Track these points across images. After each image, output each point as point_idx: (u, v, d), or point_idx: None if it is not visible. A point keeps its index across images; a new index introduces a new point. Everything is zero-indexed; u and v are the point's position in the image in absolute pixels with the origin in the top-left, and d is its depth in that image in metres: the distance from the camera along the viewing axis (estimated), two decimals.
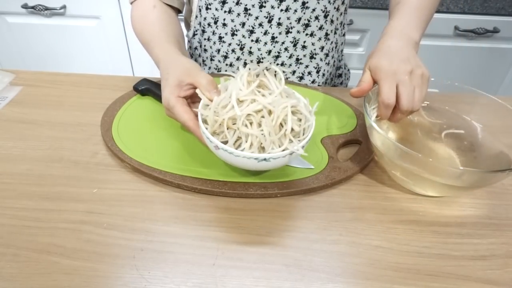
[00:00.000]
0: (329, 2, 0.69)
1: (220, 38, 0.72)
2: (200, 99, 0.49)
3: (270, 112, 0.45)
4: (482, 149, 0.53)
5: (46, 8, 1.29)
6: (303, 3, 0.67)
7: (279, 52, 0.72)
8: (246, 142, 0.44)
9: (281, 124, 0.45)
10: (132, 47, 1.38)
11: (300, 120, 0.46)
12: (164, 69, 0.55)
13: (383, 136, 0.46)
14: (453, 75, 1.35)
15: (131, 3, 0.70)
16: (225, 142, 0.45)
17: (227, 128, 0.45)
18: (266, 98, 0.45)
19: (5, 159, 0.54)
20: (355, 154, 0.55)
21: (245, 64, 0.74)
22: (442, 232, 0.46)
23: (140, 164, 0.52)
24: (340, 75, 0.84)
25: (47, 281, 0.39)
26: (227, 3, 0.67)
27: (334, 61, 0.79)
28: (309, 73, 0.75)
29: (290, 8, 0.67)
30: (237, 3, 0.67)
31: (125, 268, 0.41)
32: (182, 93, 0.51)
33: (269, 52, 0.72)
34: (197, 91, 0.49)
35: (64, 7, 1.30)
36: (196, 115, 0.49)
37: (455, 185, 0.47)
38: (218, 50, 0.73)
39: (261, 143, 0.44)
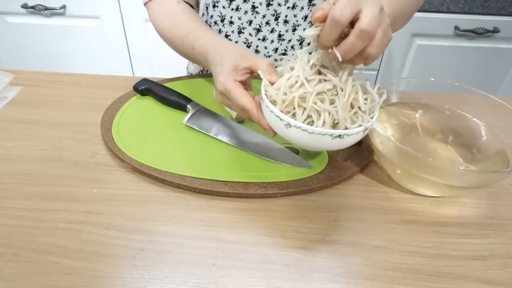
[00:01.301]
0: None
1: (226, 36, 0.72)
2: (251, 86, 0.48)
3: (340, 90, 0.43)
4: (482, 149, 0.53)
5: (46, 8, 1.29)
6: (310, 1, 0.67)
7: (285, 50, 0.72)
8: (318, 120, 0.42)
9: (351, 105, 0.43)
10: (132, 47, 1.39)
11: (366, 99, 0.45)
12: (216, 55, 0.53)
13: (383, 136, 0.46)
14: (453, 75, 1.35)
15: (146, 3, 0.69)
16: None
17: (298, 107, 0.43)
18: (335, 77, 0.43)
19: (5, 159, 0.54)
20: (355, 154, 0.55)
21: None
22: (442, 232, 0.46)
23: (140, 164, 0.52)
24: None
25: (47, 281, 0.39)
26: (234, 0, 0.67)
27: None
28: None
29: (296, 6, 0.67)
30: (245, 1, 0.67)
31: (125, 268, 0.41)
32: (239, 77, 0.49)
33: (276, 50, 0.72)
34: (259, 72, 0.47)
35: (64, 7, 1.30)
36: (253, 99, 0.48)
37: (455, 185, 0.47)
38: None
39: (334, 121, 0.43)
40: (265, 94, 0.45)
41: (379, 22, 0.40)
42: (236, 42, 0.71)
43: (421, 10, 1.21)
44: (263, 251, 0.43)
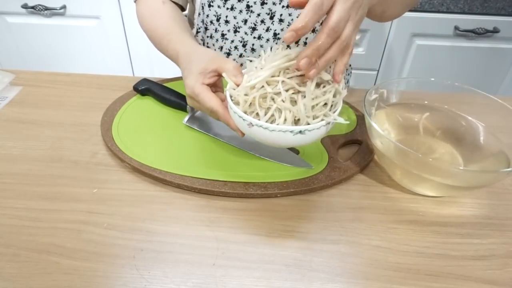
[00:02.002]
0: None
1: (222, 35, 0.72)
2: (222, 88, 0.48)
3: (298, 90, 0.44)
4: (482, 149, 0.53)
5: (46, 8, 1.29)
6: None
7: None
8: (279, 118, 0.44)
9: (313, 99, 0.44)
10: (132, 47, 1.38)
11: (326, 92, 0.45)
12: (185, 59, 0.54)
13: (383, 136, 0.46)
14: (453, 75, 1.35)
15: (135, 1, 0.70)
16: None
17: (260, 106, 0.44)
18: (292, 73, 0.44)
19: (5, 159, 0.54)
20: (355, 154, 0.55)
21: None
22: (442, 232, 0.46)
23: (140, 164, 0.52)
24: None
25: (47, 281, 0.39)
26: (229, 0, 0.67)
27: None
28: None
29: None
30: (239, 0, 0.67)
31: (125, 268, 0.41)
32: (206, 80, 0.51)
33: (271, 48, 0.72)
34: (224, 74, 0.48)
35: (64, 7, 1.30)
36: (222, 101, 0.49)
37: (455, 185, 0.47)
38: (221, 47, 0.73)
39: (295, 118, 0.44)
40: (230, 96, 0.46)
41: (349, 17, 0.41)
42: (232, 41, 0.72)
43: (421, 10, 1.21)
44: (263, 251, 0.43)
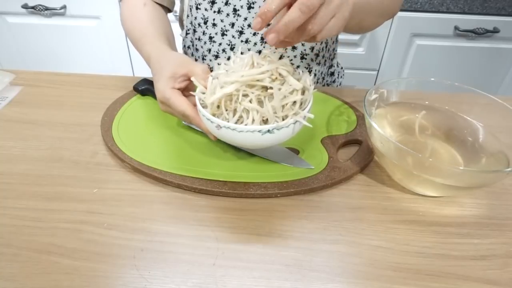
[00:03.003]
0: None
1: (210, 38, 0.72)
2: (192, 92, 0.49)
3: (266, 88, 0.45)
4: (482, 149, 0.53)
5: (46, 8, 1.29)
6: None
7: None
8: (248, 118, 0.44)
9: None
10: (132, 47, 1.38)
11: (295, 91, 0.46)
12: (155, 63, 0.55)
13: (383, 136, 0.46)
14: (453, 75, 1.35)
15: (120, 1, 0.70)
16: None
17: (226, 110, 0.45)
18: (254, 70, 0.45)
19: (5, 159, 0.54)
20: (355, 154, 0.55)
21: None
22: (442, 232, 0.46)
23: (140, 164, 0.52)
24: (332, 73, 0.84)
25: (47, 281, 0.39)
26: (216, 3, 0.68)
27: (326, 60, 0.79)
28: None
29: None
30: (226, 4, 0.67)
31: (125, 268, 0.41)
32: (177, 85, 0.51)
33: (259, 52, 0.72)
34: (192, 79, 0.49)
35: (64, 7, 1.30)
36: (193, 105, 0.49)
37: (455, 185, 0.47)
38: (209, 50, 0.74)
39: (263, 118, 0.45)
40: (199, 99, 0.47)
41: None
42: (220, 44, 0.72)
43: (421, 10, 1.21)
44: (263, 251, 0.43)
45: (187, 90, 0.53)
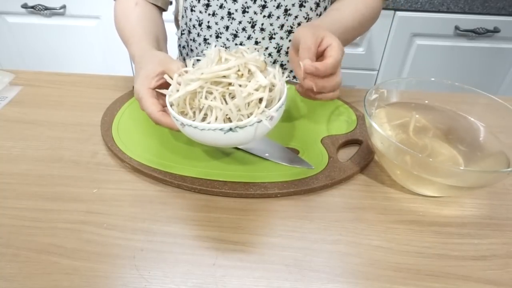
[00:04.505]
0: (311, 9, 0.69)
1: (205, 39, 0.72)
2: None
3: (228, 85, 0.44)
4: (482, 149, 0.53)
5: (46, 8, 1.29)
6: (286, 10, 0.68)
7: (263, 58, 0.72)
8: (211, 116, 0.43)
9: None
10: None
11: (258, 88, 0.44)
12: (137, 64, 0.55)
13: (383, 136, 0.46)
14: (453, 75, 1.35)
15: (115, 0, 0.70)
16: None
17: (191, 108, 0.45)
18: (217, 67, 0.44)
19: (5, 159, 0.54)
20: (355, 154, 0.55)
21: None
22: (442, 232, 0.46)
23: (140, 164, 0.52)
24: None
25: (47, 281, 0.39)
26: (210, 6, 0.68)
27: None
28: (294, 77, 0.76)
29: (272, 15, 0.68)
30: (221, 7, 0.67)
31: (125, 268, 0.41)
32: (153, 83, 0.50)
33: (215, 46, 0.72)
34: (165, 76, 0.49)
35: (64, 7, 1.30)
36: (164, 106, 0.49)
37: (455, 185, 0.47)
38: (203, 51, 0.74)
39: (226, 116, 0.43)
40: (168, 96, 0.47)
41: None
42: (215, 46, 0.72)
43: (421, 10, 1.21)
44: (263, 251, 0.43)
45: (164, 88, 0.53)
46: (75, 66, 1.46)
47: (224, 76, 0.44)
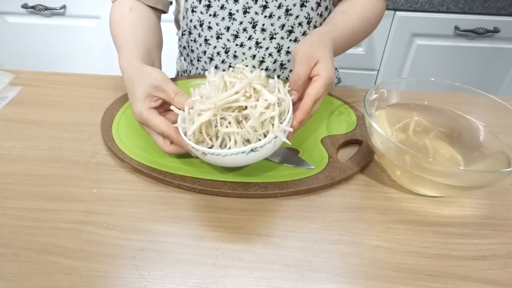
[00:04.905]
0: (312, 9, 0.69)
1: (205, 40, 0.72)
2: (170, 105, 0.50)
3: (240, 108, 0.45)
4: (482, 149, 0.53)
5: (46, 8, 1.29)
6: (287, 10, 0.68)
7: (263, 57, 0.73)
8: (230, 141, 0.45)
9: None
10: None
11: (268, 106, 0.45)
12: (128, 81, 0.53)
13: (383, 136, 0.46)
14: (453, 75, 1.35)
15: (112, 2, 0.69)
16: (212, 147, 0.46)
17: (208, 135, 0.46)
18: (223, 94, 0.45)
19: (5, 159, 0.54)
20: (355, 154, 0.55)
21: (230, 66, 0.74)
22: (442, 232, 0.46)
23: (140, 164, 0.52)
24: None
25: (47, 281, 0.39)
26: (211, 7, 0.68)
27: None
28: None
29: (274, 15, 0.68)
30: (222, 8, 0.67)
31: (125, 268, 0.41)
32: (153, 104, 0.51)
33: (254, 56, 0.72)
34: (172, 107, 0.49)
35: (64, 7, 1.30)
36: (172, 122, 0.49)
37: (455, 185, 0.47)
38: (204, 52, 0.74)
39: (244, 138, 0.45)
40: (181, 128, 0.48)
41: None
42: (215, 47, 0.72)
43: (421, 10, 1.21)
44: (263, 251, 0.43)
45: (163, 105, 0.53)
46: (75, 66, 1.46)
47: (235, 100, 0.45)
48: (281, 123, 0.45)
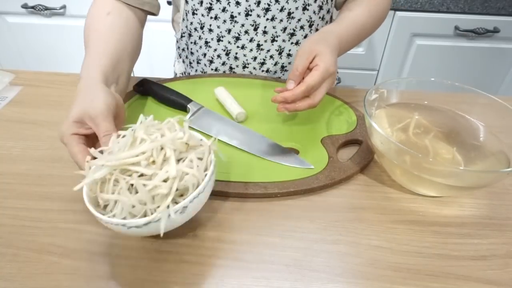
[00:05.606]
0: (314, 12, 0.69)
1: (206, 43, 0.72)
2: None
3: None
4: (482, 149, 0.53)
5: (46, 8, 1.29)
6: (289, 13, 0.68)
7: (264, 60, 0.73)
8: (116, 208, 0.38)
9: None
10: None
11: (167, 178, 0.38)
12: (77, 94, 0.48)
13: (383, 136, 0.46)
14: (453, 75, 1.35)
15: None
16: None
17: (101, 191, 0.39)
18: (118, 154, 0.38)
19: (5, 159, 0.54)
20: (355, 154, 0.55)
21: (230, 68, 0.74)
22: (442, 232, 0.46)
23: None
24: None
25: (47, 281, 0.39)
26: (213, 9, 0.67)
27: None
28: None
29: (275, 18, 0.68)
30: (223, 10, 0.67)
31: (125, 268, 0.41)
32: (82, 130, 0.45)
33: (255, 58, 0.72)
34: (91, 150, 0.41)
35: (64, 7, 1.30)
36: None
37: (455, 185, 0.47)
38: (204, 54, 0.74)
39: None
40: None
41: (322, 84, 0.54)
42: (215, 49, 0.72)
43: (421, 10, 1.21)
44: (263, 251, 0.43)
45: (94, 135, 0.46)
46: (75, 66, 1.45)
47: (135, 163, 0.38)
48: (184, 199, 0.38)
